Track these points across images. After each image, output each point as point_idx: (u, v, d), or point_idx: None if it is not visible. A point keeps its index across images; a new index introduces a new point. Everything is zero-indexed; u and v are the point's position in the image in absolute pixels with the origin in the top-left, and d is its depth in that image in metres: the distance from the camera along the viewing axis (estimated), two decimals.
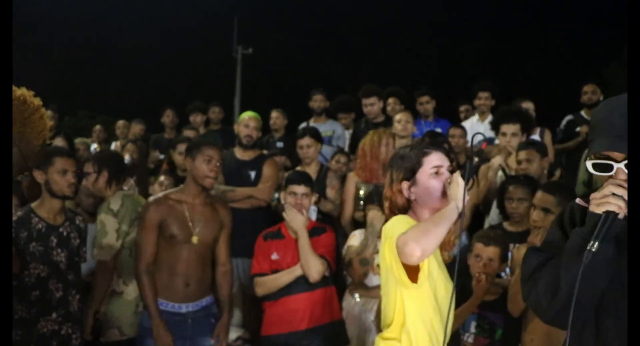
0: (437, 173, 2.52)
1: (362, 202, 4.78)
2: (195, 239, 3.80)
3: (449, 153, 2.63)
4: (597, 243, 1.76)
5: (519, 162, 4.64)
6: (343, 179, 5.39)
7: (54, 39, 35.97)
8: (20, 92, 2.34)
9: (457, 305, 3.69)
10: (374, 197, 4.19)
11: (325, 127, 6.95)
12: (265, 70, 32.30)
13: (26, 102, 2.13)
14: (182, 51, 39.01)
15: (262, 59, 29.54)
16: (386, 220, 2.60)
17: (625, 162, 1.78)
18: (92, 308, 4.02)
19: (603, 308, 1.89)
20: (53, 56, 35.11)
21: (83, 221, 4.01)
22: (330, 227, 4.29)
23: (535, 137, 5.80)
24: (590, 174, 5.30)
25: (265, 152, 6.07)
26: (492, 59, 30.88)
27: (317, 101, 7.17)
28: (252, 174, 5.31)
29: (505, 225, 4.26)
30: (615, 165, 1.80)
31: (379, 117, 6.70)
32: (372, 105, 6.72)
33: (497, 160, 5.06)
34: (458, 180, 2.61)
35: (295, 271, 3.91)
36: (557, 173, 5.14)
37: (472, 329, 3.72)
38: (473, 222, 4.96)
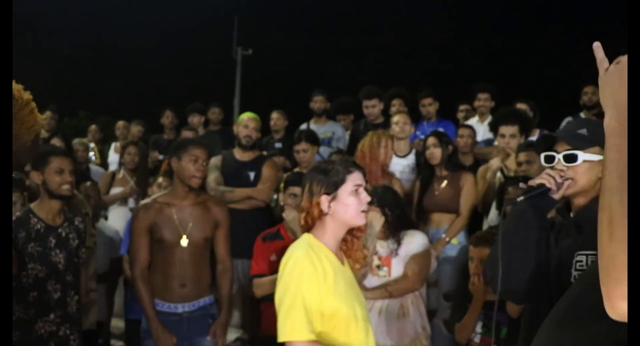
0: (357, 191, 2.61)
1: None
2: (184, 241, 3.80)
3: (365, 174, 2.74)
4: (522, 197, 2.24)
5: (519, 164, 4.64)
6: None
7: (54, 40, 35.95)
8: None
9: (461, 306, 3.70)
10: (373, 198, 4.18)
11: (326, 128, 6.96)
12: (265, 71, 32.29)
13: (14, 96, 2.12)
14: (181, 52, 39.00)
15: (262, 60, 29.55)
16: (302, 230, 2.71)
17: (564, 153, 2.25)
18: None
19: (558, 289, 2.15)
20: (53, 57, 35.10)
21: (82, 222, 3.99)
22: None
23: (535, 138, 5.79)
24: None
25: (264, 153, 6.07)
26: (492, 60, 30.89)
27: (318, 102, 7.18)
28: (252, 175, 5.31)
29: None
30: (556, 156, 2.27)
31: (378, 119, 6.69)
32: (373, 107, 6.71)
33: (495, 162, 5.06)
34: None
35: None
36: None
37: (479, 329, 3.73)
38: (472, 223, 4.97)
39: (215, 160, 5.60)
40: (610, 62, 1.27)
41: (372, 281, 4.12)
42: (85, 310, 4.13)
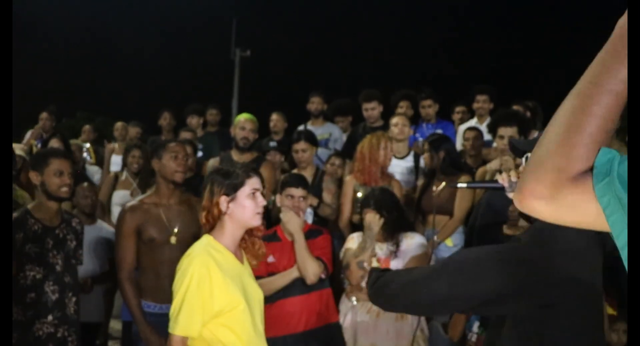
0: (254, 195, 2.83)
1: (359, 205, 4.80)
2: (173, 239, 3.81)
3: (263, 180, 2.95)
4: (465, 185, 2.46)
5: (517, 166, 4.64)
6: (339, 182, 5.40)
7: (53, 41, 35.93)
8: None
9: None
10: (370, 201, 4.19)
11: (323, 129, 6.96)
12: (264, 72, 32.27)
13: None
14: (180, 53, 39.00)
15: (260, 62, 29.51)
16: (204, 229, 2.89)
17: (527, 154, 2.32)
18: None
19: None
20: (52, 57, 35.08)
21: (79, 223, 3.99)
22: (326, 229, 4.30)
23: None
24: None
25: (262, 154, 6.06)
26: (491, 62, 30.92)
27: (315, 103, 7.18)
28: None
29: (504, 228, 4.26)
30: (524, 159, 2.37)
31: (377, 122, 6.68)
32: (372, 110, 6.69)
33: (494, 164, 5.06)
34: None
35: (291, 274, 3.91)
36: None
37: (475, 329, 3.73)
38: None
39: (213, 162, 5.60)
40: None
41: None
42: None
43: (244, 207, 2.80)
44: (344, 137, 7.03)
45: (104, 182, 6.41)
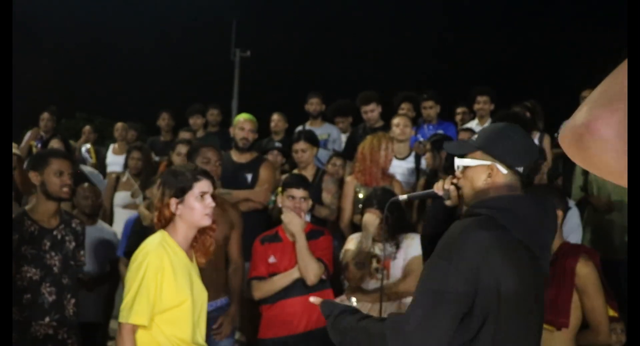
0: (202, 197, 2.94)
1: (360, 206, 4.80)
2: None
3: (214, 182, 3.09)
4: (406, 197, 2.60)
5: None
6: (339, 183, 5.39)
7: (52, 41, 35.91)
8: None
9: None
10: (373, 200, 4.19)
11: (321, 130, 6.96)
12: (264, 73, 32.29)
13: None
14: (180, 54, 39.04)
15: (260, 62, 29.53)
16: (157, 227, 3.00)
17: (457, 160, 2.31)
18: None
19: None
20: (51, 58, 35.07)
21: (80, 224, 3.95)
22: (327, 230, 4.29)
23: (535, 141, 5.78)
24: (586, 179, 5.31)
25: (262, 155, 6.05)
26: (491, 63, 30.93)
27: (314, 104, 7.19)
28: (249, 177, 5.29)
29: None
30: (456, 161, 2.33)
31: (378, 123, 6.68)
32: (371, 112, 6.69)
33: None
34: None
35: (292, 275, 3.90)
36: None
37: None
38: None
39: None
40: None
41: (370, 284, 4.10)
42: None
43: (192, 209, 2.92)
44: (343, 138, 7.04)
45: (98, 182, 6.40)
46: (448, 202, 2.44)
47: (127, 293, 2.82)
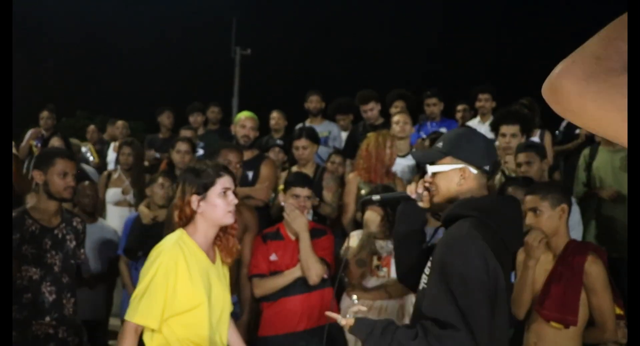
0: (225, 194, 2.83)
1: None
2: None
3: (235, 179, 3.00)
4: (379, 197, 2.74)
5: (518, 165, 4.62)
6: (340, 181, 5.38)
7: (52, 40, 35.92)
8: None
9: None
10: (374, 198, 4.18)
11: (321, 127, 6.95)
12: (264, 71, 32.29)
13: None
14: (180, 52, 39.04)
15: (261, 60, 29.53)
16: (177, 226, 2.87)
17: (429, 167, 2.49)
18: None
19: None
20: (51, 56, 35.07)
21: (81, 222, 3.94)
22: (329, 229, 4.29)
23: (536, 138, 5.79)
24: (588, 174, 5.30)
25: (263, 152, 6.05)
26: (492, 61, 30.91)
27: (313, 102, 7.19)
28: (250, 174, 5.29)
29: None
30: (428, 168, 2.51)
31: (378, 120, 6.67)
32: (371, 110, 6.68)
33: None
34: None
35: (294, 273, 3.90)
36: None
37: None
38: None
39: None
40: None
41: (371, 281, 4.11)
42: None
43: (215, 206, 2.82)
44: (343, 135, 7.03)
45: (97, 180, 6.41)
46: (421, 204, 2.60)
47: (136, 293, 2.73)
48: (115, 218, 5.99)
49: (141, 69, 36.08)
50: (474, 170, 2.44)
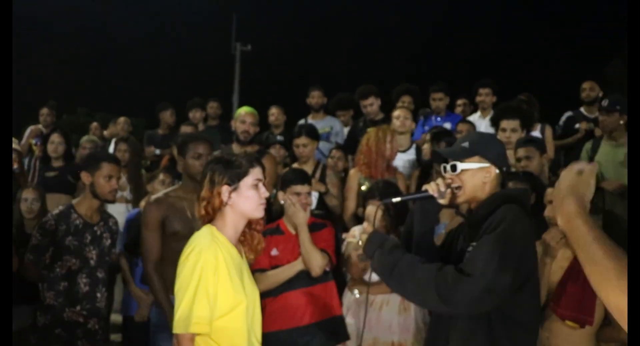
0: (257, 186, 2.71)
1: (364, 198, 4.81)
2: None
3: (265, 170, 2.86)
4: (399, 198, 2.74)
5: (518, 160, 4.63)
6: (342, 177, 5.39)
7: (53, 37, 35.90)
8: None
9: None
10: (375, 192, 4.19)
11: (323, 123, 6.95)
12: (264, 67, 32.26)
13: None
14: (180, 48, 39.00)
15: (261, 56, 29.51)
16: (202, 221, 2.73)
17: (450, 164, 2.60)
18: None
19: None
20: (52, 54, 35.04)
21: (116, 223, 4.27)
22: (330, 222, 4.29)
23: (536, 133, 5.79)
24: None
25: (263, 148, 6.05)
26: (492, 56, 30.88)
27: (315, 97, 7.18)
28: None
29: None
30: (446, 167, 2.63)
31: (378, 115, 6.68)
32: (371, 105, 6.69)
33: None
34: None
35: (295, 267, 3.90)
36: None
37: None
38: None
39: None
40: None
41: (373, 276, 4.10)
42: None
43: (247, 198, 2.67)
44: (345, 131, 7.03)
45: None
46: (442, 201, 2.66)
47: (181, 301, 2.53)
48: (114, 215, 6.00)
49: (141, 65, 36.07)
50: (496, 171, 2.60)
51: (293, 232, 3.98)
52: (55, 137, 6.25)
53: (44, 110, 7.67)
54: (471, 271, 2.27)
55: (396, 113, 5.83)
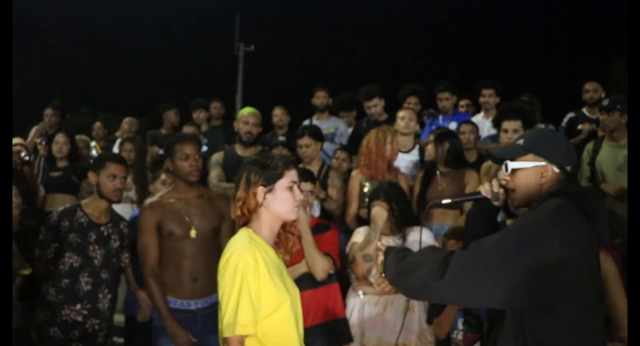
0: (292, 188, 2.69)
1: (367, 199, 4.80)
2: (193, 233, 3.86)
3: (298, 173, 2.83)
4: (450, 200, 2.66)
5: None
6: (345, 178, 5.39)
7: (56, 36, 35.94)
8: None
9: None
10: (380, 193, 4.19)
11: (328, 124, 6.95)
12: (267, 67, 32.24)
13: None
14: (184, 48, 39.00)
15: (264, 56, 29.50)
16: (238, 222, 2.73)
17: (510, 163, 2.44)
18: None
19: None
20: (54, 53, 35.08)
21: (127, 227, 4.27)
22: (334, 224, 4.29)
23: None
24: (592, 169, 5.29)
25: (266, 148, 6.05)
26: (495, 57, 30.84)
27: (320, 98, 7.17)
28: None
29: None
30: (508, 165, 2.45)
31: (382, 116, 6.67)
32: (375, 107, 6.68)
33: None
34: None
35: (299, 269, 3.90)
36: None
37: (460, 326, 3.73)
38: None
39: (217, 156, 5.59)
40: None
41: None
42: None
43: (282, 199, 2.67)
44: (350, 131, 7.02)
45: None
46: (496, 203, 2.56)
47: (226, 305, 2.54)
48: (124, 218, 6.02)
49: (145, 65, 36.09)
50: (555, 169, 2.39)
51: (297, 233, 3.98)
52: (60, 137, 6.26)
53: (48, 111, 7.68)
54: (448, 270, 2.17)
55: (401, 114, 5.82)
